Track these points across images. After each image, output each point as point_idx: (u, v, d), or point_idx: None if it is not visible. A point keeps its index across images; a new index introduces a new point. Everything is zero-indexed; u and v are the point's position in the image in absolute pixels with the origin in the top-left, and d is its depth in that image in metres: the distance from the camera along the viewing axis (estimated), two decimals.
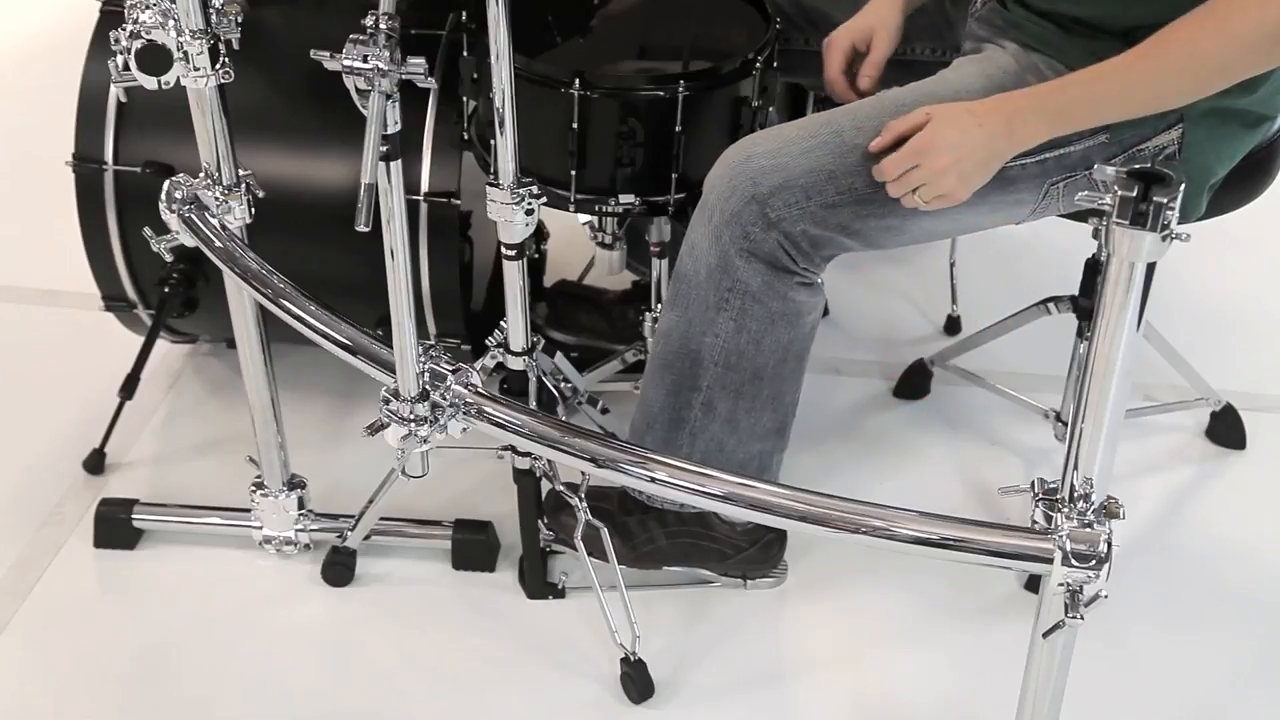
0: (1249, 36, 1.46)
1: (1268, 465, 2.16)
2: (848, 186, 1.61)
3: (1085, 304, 2.03)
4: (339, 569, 1.90)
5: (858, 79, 1.80)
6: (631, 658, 1.76)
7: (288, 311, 1.51)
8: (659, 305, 1.98)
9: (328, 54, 1.25)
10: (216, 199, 1.62)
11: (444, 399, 1.40)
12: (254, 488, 1.89)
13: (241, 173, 1.63)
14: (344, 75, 1.25)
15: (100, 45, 1.95)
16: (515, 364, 1.76)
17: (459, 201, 1.92)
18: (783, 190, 1.60)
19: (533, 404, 1.79)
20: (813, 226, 1.62)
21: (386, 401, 1.41)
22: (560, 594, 1.89)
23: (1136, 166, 1.09)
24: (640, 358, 2.07)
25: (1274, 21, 1.44)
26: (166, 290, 1.97)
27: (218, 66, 1.53)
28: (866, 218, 1.63)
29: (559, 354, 1.87)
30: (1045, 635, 1.30)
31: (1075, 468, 1.25)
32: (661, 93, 1.72)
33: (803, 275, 1.66)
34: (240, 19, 1.53)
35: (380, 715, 1.75)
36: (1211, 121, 1.62)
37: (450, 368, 1.41)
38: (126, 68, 1.50)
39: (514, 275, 1.65)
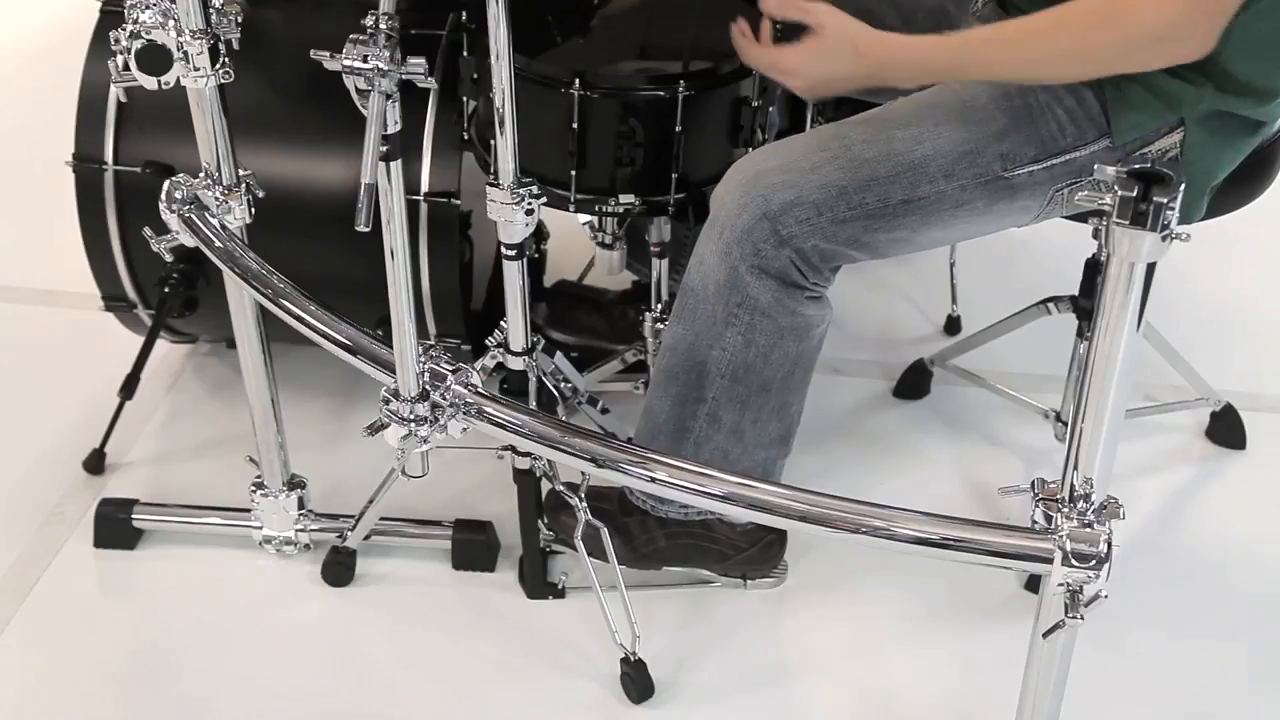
0: (1139, 36, 1.46)
1: (1268, 465, 2.16)
2: (859, 202, 1.61)
3: (1085, 304, 2.03)
4: (339, 569, 1.90)
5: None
6: (631, 658, 1.75)
7: (288, 311, 1.51)
8: (659, 305, 1.98)
9: (328, 54, 1.25)
10: (216, 199, 1.62)
11: (444, 399, 1.40)
12: (254, 488, 1.89)
13: (241, 173, 1.63)
14: (344, 75, 1.25)
15: (100, 45, 1.94)
16: (515, 364, 1.76)
17: (459, 201, 1.92)
18: (794, 207, 1.60)
19: (533, 404, 1.79)
20: (823, 241, 1.62)
21: (386, 401, 1.41)
22: (560, 594, 1.89)
23: (1136, 166, 1.09)
24: (640, 357, 2.07)
25: (1166, 24, 1.45)
26: (166, 290, 1.97)
27: (218, 66, 1.53)
28: (876, 231, 1.63)
29: (559, 354, 1.87)
30: (1045, 635, 1.30)
31: (1075, 468, 1.25)
32: (661, 93, 1.72)
33: (812, 290, 1.67)
34: (240, 19, 1.53)
35: (380, 715, 1.75)
36: (1213, 125, 1.62)
37: (450, 368, 1.41)
38: (126, 68, 1.50)
39: (514, 275, 1.65)
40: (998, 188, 1.63)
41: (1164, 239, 1.10)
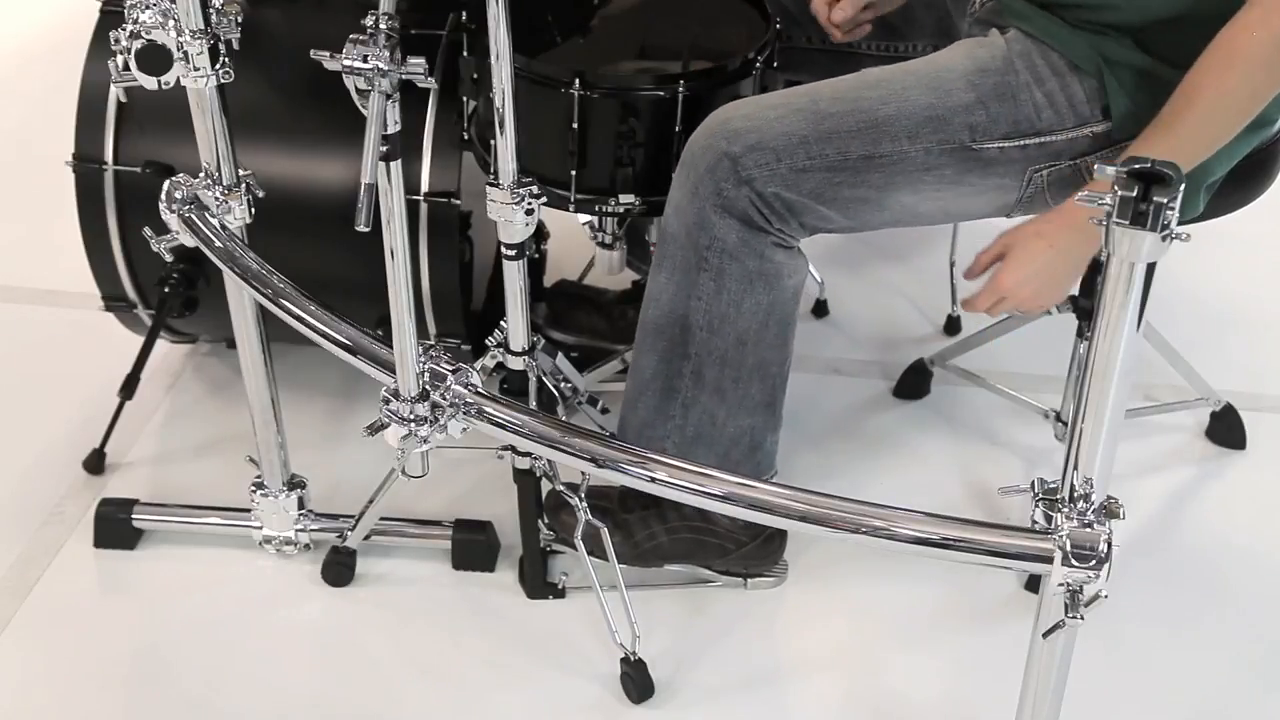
0: (1262, 55, 1.48)
1: (1268, 465, 2.16)
2: (819, 153, 1.63)
3: (1085, 304, 2.02)
4: (339, 569, 1.90)
5: (833, 11, 1.87)
6: (631, 658, 1.75)
7: (288, 311, 1.51)
8: None
9: (328, 54, 1.25)
10: (216, 199, 1.62)
11: (444, 399, 1.40)
12: (254, 488, 1.89)
13: (241, 173, 1.63)
14: (344, 75, 1.25)
15: (100, 45, 1.94)
16: (515, 364, 1.76)
17: (459, 201, 1.92)
18: (754, 150, 1.63)
19: (533, 404, 1.79)
20: (784, 190, 1.64)
21: (386, 401, 1.41)
22: (560, 594, 1.89)
23: (1137, 166, 1.09)
24: None
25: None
26: (166, 290, 1.97)
27: (218, 66, 1.53)
28: (839, 185, 1.64)
29: (559, 354, 1.87)
30: (1045, 635, 1.30)
31: (1075, 468, 1.25)
32: (661, 93, 1.72)
33: (778, 236, 1.68)
34: (240, 19, 1.53)
35: (380, 715, 1.75)
36: None
37: (450, 368, 1.41)
38: (126, 68, 1.50)
39: (514, 275, 1.65)
40: (966, 158, 1.64)
41: (1164, 239, 1.10)
